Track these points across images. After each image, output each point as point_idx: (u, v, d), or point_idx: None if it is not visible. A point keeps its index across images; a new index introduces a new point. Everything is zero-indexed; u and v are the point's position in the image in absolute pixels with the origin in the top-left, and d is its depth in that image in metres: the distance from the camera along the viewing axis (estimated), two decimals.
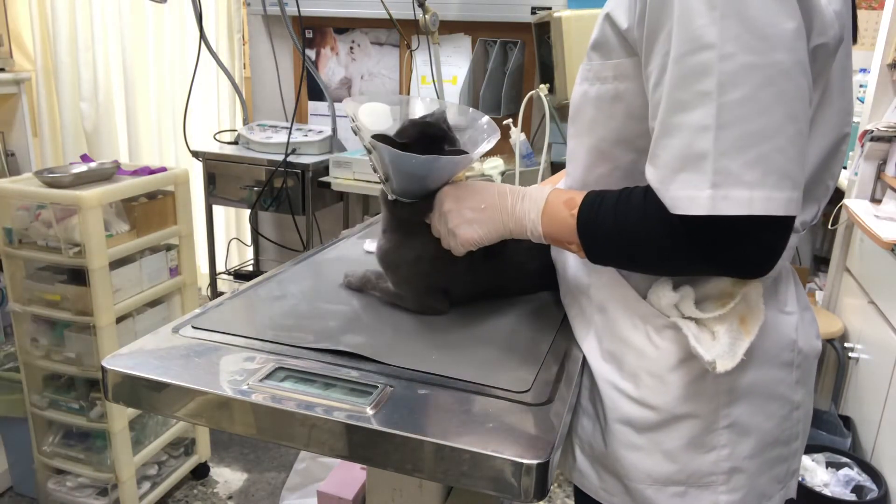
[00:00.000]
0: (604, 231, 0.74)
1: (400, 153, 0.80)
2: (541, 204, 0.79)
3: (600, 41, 0.75)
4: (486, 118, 0.95)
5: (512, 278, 0.97)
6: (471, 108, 0.98)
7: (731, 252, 0.66)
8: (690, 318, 0.75)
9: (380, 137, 0.82)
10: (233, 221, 3.34)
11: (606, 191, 0.75)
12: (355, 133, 0.87)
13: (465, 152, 0.85)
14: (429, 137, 0.86)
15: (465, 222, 0.82)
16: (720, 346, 0.71)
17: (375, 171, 0.87)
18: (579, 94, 0.79)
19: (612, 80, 0.74)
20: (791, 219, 0.64)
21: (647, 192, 0.71)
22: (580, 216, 0.75)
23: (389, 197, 0.88)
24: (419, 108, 0.96)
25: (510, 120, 2.29)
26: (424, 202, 0.87)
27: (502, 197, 0.81)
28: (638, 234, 0.71)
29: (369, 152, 0.85)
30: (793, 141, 0.63)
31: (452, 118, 0.92)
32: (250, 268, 3.35)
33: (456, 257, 0.86)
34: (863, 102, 2.15)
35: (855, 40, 0.77)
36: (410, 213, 0.88)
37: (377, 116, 0.93)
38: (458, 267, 0.89)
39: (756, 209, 0.62)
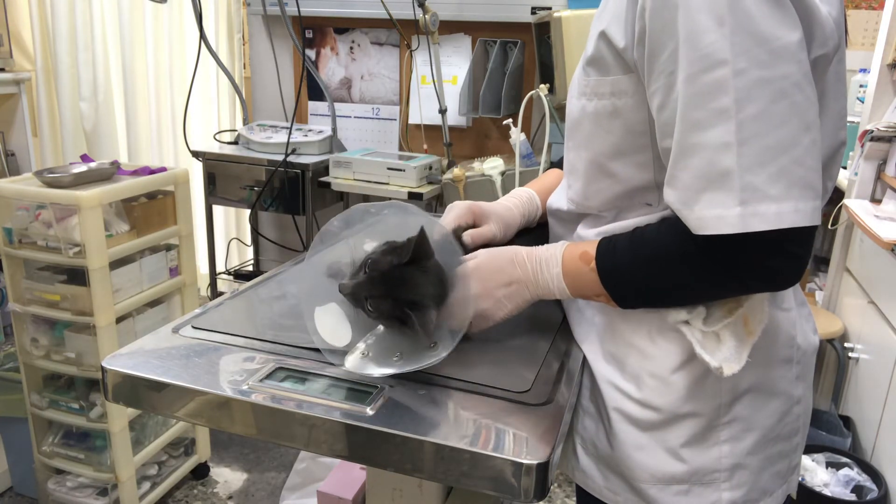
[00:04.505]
0: (626, 275, 0.73)
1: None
2: (558, 268, 0.77)
3: (596, 57, 0.75)
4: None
5: None
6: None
7: (759, 267, 0.65)
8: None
9: (411, 306, 0.75)
10: (233, 221, 3.34)
11: (616, 235, 0.75)
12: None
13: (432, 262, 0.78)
14: (394, 251, 0.77)
15: (496, 303, 0.79)
16: (726, 350, 0.71)
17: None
18: (577, 109, 0.79)
19: (609, 97, 0.74)
20: (815, 227, 0.64)
21: (661, 224, 0.71)
22: (599, 267, 0.74)
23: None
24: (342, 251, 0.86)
25: (510, 120, 2.29)
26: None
27: (522, 267, 0.79)
28: (661, 268, 0.71)
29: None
30: (809, 150, 0.63)
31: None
32: (250, 268, 3.35)
33: None
34: (863, 102, 2.15)
35: (846, 43, 0.77)
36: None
37: (334, 317, 0.82)
38: None
39: (785, 222, 0.62)
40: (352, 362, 0.76)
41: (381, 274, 0.75)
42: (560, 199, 0.89)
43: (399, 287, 0.75)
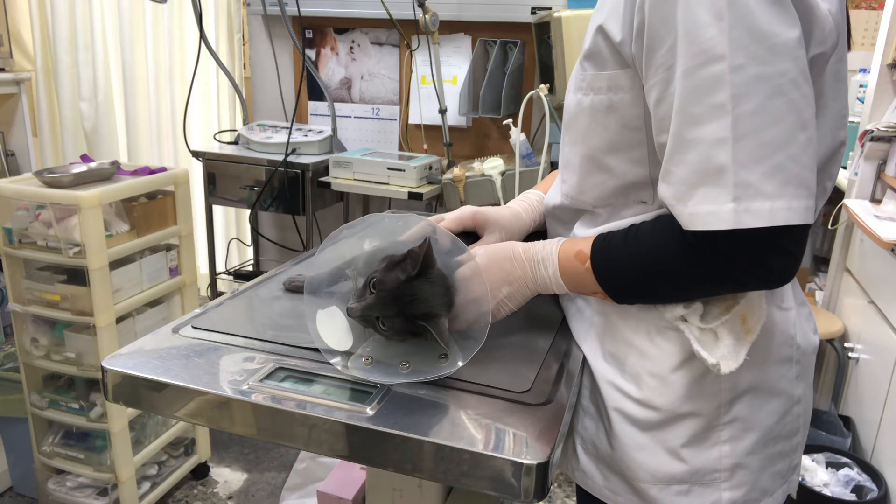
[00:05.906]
0: (621, 273, 0.74)
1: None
2: (555, 267, 0.78)
3: (593, 52, 0.75)
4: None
5: None
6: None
7: (751, 264, 0.65)
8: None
9: (425, 318, 0.75)
10: (233, 221, 3.34)
11: (610, 233, 0.76)
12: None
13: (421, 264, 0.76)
14: (397, 265, 0.77)
15: (499, 304, 0.81)
16: (724, 348, 0.71)
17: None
18: (574, 104, 0.79)
19: (605, 91, 0.74)
20: (808, 226, 0.64)
21: (656, 221, 0.71)
22: (594, 267, 0.75)
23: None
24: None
25: (510, 120, 2.29)
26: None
27: (521, 265, 0.80)
28: (655, 266, 0.71)
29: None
30: (804, 149, 0.63)
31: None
32: (250, 268, 3.35)
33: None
34: (863, 102, 2.15)
35: (849, 46, 0.77)
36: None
37: (334, 319, 0.82)
38: None
39: (778, 220, 0.62)
40: (357, 369, 0.75)
41: (389, 292, 0.75)
42: (555, 196, 0.89)
43: (410, 303, 0.75)
